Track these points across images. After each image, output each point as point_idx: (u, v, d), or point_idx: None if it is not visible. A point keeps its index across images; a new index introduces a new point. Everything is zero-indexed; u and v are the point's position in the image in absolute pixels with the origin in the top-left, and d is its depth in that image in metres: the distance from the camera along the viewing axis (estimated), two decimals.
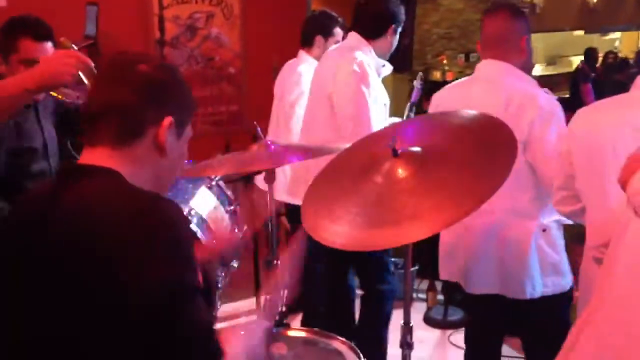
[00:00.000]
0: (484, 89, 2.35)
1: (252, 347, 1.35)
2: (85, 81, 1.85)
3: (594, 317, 1.43)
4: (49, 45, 2.33)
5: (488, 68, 2.41)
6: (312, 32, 3.58)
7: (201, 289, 1.19)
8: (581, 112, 2.09)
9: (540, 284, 2.33)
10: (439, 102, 2.52)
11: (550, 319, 2.38)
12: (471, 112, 1.87)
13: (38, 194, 1.30)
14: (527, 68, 2.44)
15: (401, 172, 1.64)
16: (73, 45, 2.12)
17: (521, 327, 2.54)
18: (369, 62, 2.85)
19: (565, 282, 2.38)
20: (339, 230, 1.60)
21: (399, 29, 2.97)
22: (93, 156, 1.24)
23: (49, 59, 1.96)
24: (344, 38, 3.36)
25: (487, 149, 1.68)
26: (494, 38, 2.40)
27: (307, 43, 3.61)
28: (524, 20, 2.43)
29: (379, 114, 2.89)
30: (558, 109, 2.29)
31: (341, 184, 1.77)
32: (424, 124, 1.99)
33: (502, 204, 2.22)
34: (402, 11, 2.97)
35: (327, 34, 3.56)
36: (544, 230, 2.31)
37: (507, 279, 2.33)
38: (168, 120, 1.26)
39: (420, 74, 3.18)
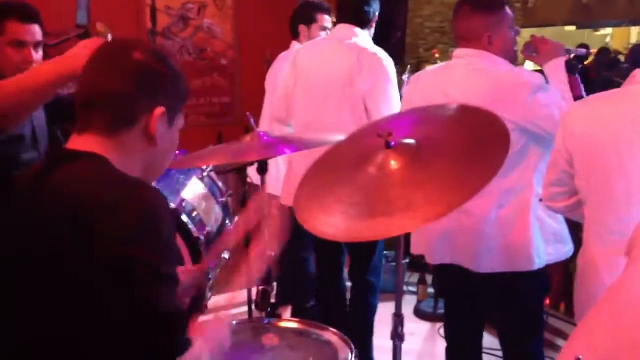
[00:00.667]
0: (465, 75, 2.35)
1: (217, 341, 1.34)
2: None
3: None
4: (36, 27, 2.31)
5: (464, 57, 2.39)
6: (296, 23, 3.60)
7: (177, 281, 1.19)
8: (576, 108, 2.08)
9: (544, 253, 2.34)
10: (416, 84, 2.55)
11: (538, 293, 2.44)
12: (465, 104, 1.87)
13: (24, 178, 1.29)
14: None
15: (394, 164, 1.64)
16: (109, 33, 2.10)
17: (516, 307, 2.53)
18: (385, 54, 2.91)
19: (567, 249, 2.39)
20: (331, 221, 1.60)
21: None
22: (81, 142, 1.24)
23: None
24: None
25: (481, 142, 1.68)
26: (459, 36, 2.40)
27: (294, 34, 3.63)
28: (488, 15, 2.32)
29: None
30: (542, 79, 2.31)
31: (334, 175, 1.77)
32: (417, 116, 1.99)
33: (501, 185, 2.21)
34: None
35: (309, 21, 3.57)
36: (540, 200, 2.30)
37: (513, 255, 2.33)
38: (160, 110, 1.26)
39: (409, 67, 3.19)
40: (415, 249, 2.58)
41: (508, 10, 2.39)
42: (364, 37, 2.95)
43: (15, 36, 2.28)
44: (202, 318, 2.09)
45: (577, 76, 2.32)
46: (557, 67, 2.33)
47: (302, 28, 3.59)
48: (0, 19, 2.30)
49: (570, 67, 2.31)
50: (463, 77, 2.35)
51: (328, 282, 3.27)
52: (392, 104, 2.86)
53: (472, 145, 1.68)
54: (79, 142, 1.24)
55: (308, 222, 1.63)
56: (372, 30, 3.04)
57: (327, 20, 3.58)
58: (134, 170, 1.25)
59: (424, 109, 2.06)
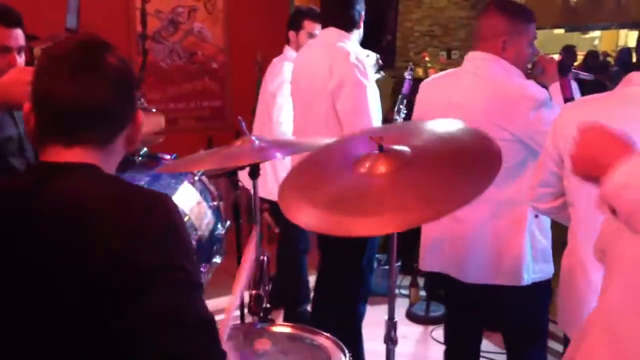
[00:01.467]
0: (472, 81, 2.34)
1: None
2: None
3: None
4: (19, 31, 2.24)
5: (475, 60, 2.39)
6: (287, 29, 3.63)
7: (203, 288, 1.16)
8: (567, 110, 2.08)
9: (532, 270, 2.33)
10: (425, 88, 2.54)
11: (534, 307, 2.41)
12: (463, 124, 1.87)
13: (10, 190, 1.20)
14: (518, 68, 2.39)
15: (383, 167, 1.65)
16: None
17: (509, 317, 2.54)
18: (361, 54, 2.86)
19: (550, 269, 2.39)
20: (314, 213, 1.61)
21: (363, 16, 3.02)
22: (71, 154, 1.18)
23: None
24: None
25: (473, 159, 1.69)
26: (477, 34, 2.40)
27: (286, 40, 3.66)
28: (511, 21, 2.32)
29: (377, 108, 2.91)
30: (547, 95, 2.29)
31: (322, 172, 1.80)
32: (414, 127, 2.00)
33: (497, 195, 2.20)
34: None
35: (297, 27, 3.60)
36: (536, 216, 2.31)
37: (501, 268, 2.33)
38: (140, 115, 1.25)
39: (411, 64, 3.18)
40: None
41: (533, 27, 2.37)
42: (348, 40, 2.93)
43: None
44: None
45: (569, 78, 2.31)
46: None
47: (292, 34, 3.65)
48: None
49: (563, 68, 2.30)
50: (470, 85, 2.34)
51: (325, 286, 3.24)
52: (356, 106, 2.80)
53: (464, 160, 1.70)
54: (70, 155, 1.18)
55: (291, 211, 1.65)
56: (361, 31, 3.01)
57: (315, 27, 3.59)
58: (112, 171, 1.25)
59: (422, 122, 2.06)
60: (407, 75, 3.03)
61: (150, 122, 2.99)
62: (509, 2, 2.42)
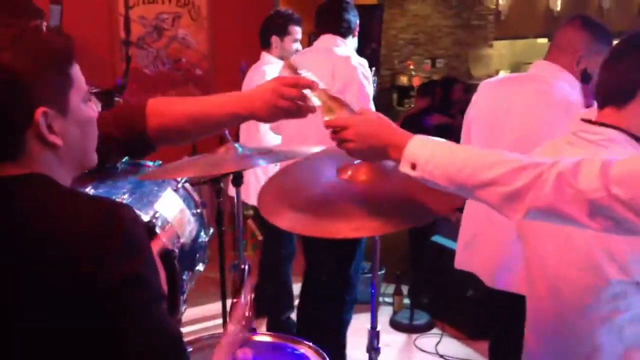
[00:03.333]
0: (537, 96, 2.32)
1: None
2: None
3: None
4: None
5: (544, 70, 2.37)
6: (268, 33, 3.58)
7: (166, 297, 1.14)
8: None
9: None
10: (482, 91, 2.53)
11: None
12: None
13: None
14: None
15: (364, 175, 1.69)
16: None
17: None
18: (363, 61, 2.89)
19: None
20: (293, 215, 1.63)
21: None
22: (2, 171, 1.09)
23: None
24: (311, 42, 3.36)
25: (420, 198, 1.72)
26: (555, 43, 2.37)
27: (265, 44, 3.61)
28: (593, 39, 2.30)
29: None
30: None
31: (303, 177, 1.81)
32: None
33: None
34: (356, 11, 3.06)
35: (282, 33, 3.56)
36: None
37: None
38: (39, 112, 1.08)
39: (374, 69, 3.21)
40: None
41: (607, 50, 2.40)
42: (345, 46, 2.96)
43: None
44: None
45: (590, 85, 2.32)
46: None
47: (275, 39, 3.57)
48: None
49: (584, 76, 2.30)
50: (532, 98, 2.31)
51: (309, 291, 3.23)
52: (363, 93, 2.84)
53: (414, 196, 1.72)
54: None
55: (269, 213, 1.66)
56: (355, 39, 3.04)
57: (299, 32, 3.58)
58: (62, 175, 1.15)
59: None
60: (372, 79, 3.08)
61: None
62: (596, 21, 2.41)
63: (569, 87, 2.30)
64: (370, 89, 2.88)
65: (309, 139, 2.90)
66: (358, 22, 3.04)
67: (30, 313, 1.04)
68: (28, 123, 1.08)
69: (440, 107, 5.14)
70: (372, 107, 2.86)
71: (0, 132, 1.08)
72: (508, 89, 2.45)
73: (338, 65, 2.86)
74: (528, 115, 2.29)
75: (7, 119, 1.07)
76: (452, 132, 4.18)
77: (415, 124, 4.89)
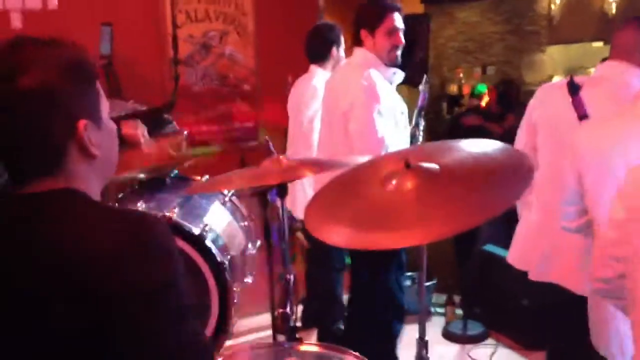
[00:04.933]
0: (605, 99, 2.31)
1: None
2: None
3: None
4: None
5: (615, 72, 2.35)
6: (325, 46, 3.58)
7: (194, 311, 1.14)
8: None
9: None
10: (543, 97, 2.51)
11: None
12: (498, 143, 1.85)
13: None
14: None
15: (410, 183, 1.66)
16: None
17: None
18: (377, 74, 2.85)
19: None
20: (340, 230, 1.63)
21: (378, 31, 2.92)
22: (38, 187, 1.12)
23: None
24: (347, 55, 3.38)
25: (501, 178, 1.69)
26: (617, 45, 2.38)
27: (320, 57, 3.61)
28: None
29: (397, 124, 2.89)
30: None
31: (348, 191, 1.81)
32: (450, 146, 1.99)
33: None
34: (372, 11, 2.94)
35: (339, 43, 3.58)
36: None
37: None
38: (82, 125, 1.13)
39: (425, 77, 3.18)
40: (518, 264, 2.58)
41: None
42: (371, 58, 2.93)
43: None
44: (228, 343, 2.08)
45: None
46: None
47: (334, 49, 3.60)
48: None
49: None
50: (601, 102, 2.30)
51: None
52: (363, 129, 2.80)
53: (493, 176, 1.71)
54: (33, 188, 1.12)
55: (316, 228, 1.67)
56: (381, 47, 2.94)
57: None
58: (92, 188, 1.18)
59: (456, 141, 2.02)
60: (422, 88, 3.04)
61: (172, 139, 3.02)
62: None
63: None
64: (383, 109, 2.83)
65: (333, 148, 2.93)
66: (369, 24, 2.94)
67: (57, 329, 1.04)
68: (71, 135, 1.13)
69: (488, 109, 5.11)
70: (395, 123, 2.81)
71: (43, 146, 1.12)
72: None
73: (350, 82, 2.91)
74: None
75: (51, 132, 1.11)
76: (484, 133, 4.15)
77: (457, 123, 4.87)
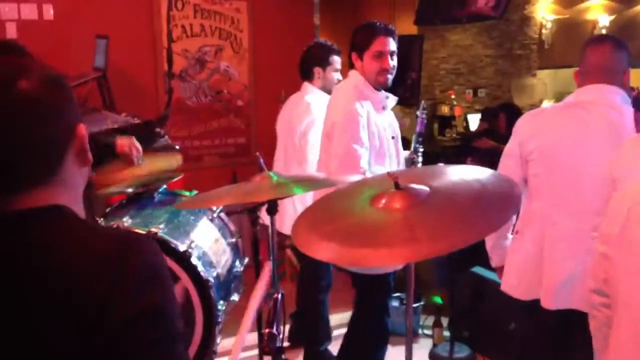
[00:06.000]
0: (607, 126, 2.33)
1: None
2: None
3: None
4: None
5: (593, 92, 2.39)
6: (310, 65, 3.60)
7: (182, 336, 1.09)
8: (628, 142, 2.07)
9: None
10: (536, 122, 2.51)
11: None
12: (488, 171, 1.86)
13: None
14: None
15: (398, 204, 1.68)
16: None
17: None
18: (364, 99, 2.85)
19: None
20: (327, 246, 1.63)
21: (366, 54, 2.90)
22: (28, 200, 1.07)
23: None
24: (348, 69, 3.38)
25: (489, 203, 1.71)
26: (598, 67, 2.40)
27: (307, 76, 3.63)
28: (627, 54, 2.43)
29: (387, 147, 2.89)
30: None
31: (337, 208, 1.82)
32: (441, 170, 2.00)
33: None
34: (362, 34, 2.94)
35: (325, 64, 3.58)
36: None
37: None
38: (82, 129, 1.12)
39: (423, 102, 3.18)
40: (525, 294, 2.51)
41: None
42: (356, 77, 2.95)
43: None
44: None
45: None
46: None
47: (318, 70, 3.59)
48: None
49: (637, 102, 2.31)
50: (603, 131, 2.31)
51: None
52: (339, 153, 2.81)
53: (480, 201, 1.72)
54: (26, 200, 1.07)
55: (304, 245, 1.66)
56: (367, 71, 2.93)
57: (339, 62, 3.61)
58: (78, 197, 1.15)
59: (446, 166, 2.03)
60: (420, 114, 3.03)
61: (166, 158, 3.01)
62: (618, 38, 2.55)
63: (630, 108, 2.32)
64: (354, 125, 2.82)
65: (322, 164, 2.94)
66: (360, 48, 2.93)
67: (42, 347, 1.01)
68: (71, 140, 1.11)
69: (497, 131, 5.15)
70: (357, 152, 2.80)
71: (45, 152, 1.08)
72: (571, 119, 2.41)
73: (335, 104, 2.94)
74: (608, 146, 2.25)
75: (53, 137, 1.09)
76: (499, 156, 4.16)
77: (469, 146, 4.97)
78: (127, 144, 2.56)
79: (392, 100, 2.98)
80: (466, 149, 5.16)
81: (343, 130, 2.80)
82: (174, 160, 3.02)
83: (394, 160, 2.95)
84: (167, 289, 1.07)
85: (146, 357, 1.02)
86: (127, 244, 1.07)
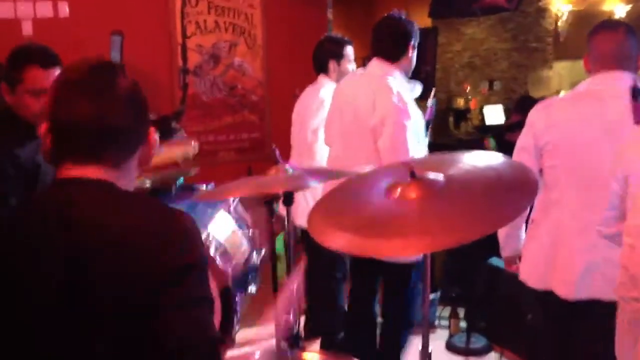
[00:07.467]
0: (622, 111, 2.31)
1: None
2: None
3: None
4: (57, 71, 2.20)
5: (606, 81, 2.36)
6: (325, 59, 3.62)
7: (212, 303, 1.20)
8: (633, 133, 2.06)
9: None
10: (548, 112, 2.49)
11: None
12: (503, 157, 1.86)
13: (37, 207, 1.25)
14: None
15: (414, 193, 1.67)
16: None
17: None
18: (404, 90, 2.86)
19: None
20: (343, 235, 1.64)
21: (416, 44, 2.98)
22: (89, 171, 1.22)
23: None
24: (365, 64, 3.37)
25: (505, 191, 1.71)
26: (612, 53, 2.37)
27: (322, 69, 3.65)
28: (637, 40, 2.40)
29: (419, 138, 2.90)
30: None
31: (352, 198, 1.83)
32: (456, 158, 2.00)
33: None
34: (415, 26, 2.99)
35: (339, 56, 3.60)
36: None
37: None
38: (153, 134, 1.30)
39: (434, 90, 3.18)
40: (539, 283, 2.51)
41: None
42: (394, 73, 2.93)
43: (35, 84, 2.23)
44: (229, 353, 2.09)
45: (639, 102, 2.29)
46: None
47: (332, 63, 3.62)
48: (20, 66, 2.26)
49: (636, 93, 2.28)
50: (618, 120, 2.29)
51: (358, 312, 3.22)
52: (395, 146, 2.80)
53: (497, 189, 1.72)
54: (87, 171, 1.22)
55: (319, 234, 1.67)
56: (410, 60, 2.97)
57: (352, 53, 3.63)
58: (129, 189, 1.29)
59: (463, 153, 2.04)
60: (430, 103, 3.02)
61: (182, 147, 3.04)
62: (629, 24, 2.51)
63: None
64: (411, 125, 2.84)
65: (350, 157, 2.92)
66: (415, 38, 2.97)
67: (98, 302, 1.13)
68: (145, 139, 1.29)
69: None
70: (418, 140, 2.83)
71: (126, 140, 1.25)
72: (590, 108, 2.39)
73: (379, 97, 2.85)
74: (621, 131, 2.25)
75: (136, 131, 1.27)
76: None
77: (502, 138, 4.95)
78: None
79: (418, 89, 3.00)
80: (500, 140, 5.10)
81: (398, 125, 2.80)
82: (191, 148, 3.05)
83: (424, 149, 2.96)
84: (204, 256, 1.23)
85: (185, 313, 1.13)
86: (176, 214, 1.21)
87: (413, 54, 2.98)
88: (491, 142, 5.01)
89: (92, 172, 1.22)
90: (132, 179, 1.29)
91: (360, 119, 2.92)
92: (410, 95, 2.91)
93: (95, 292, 1.13)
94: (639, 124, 2.20)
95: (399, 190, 1.70)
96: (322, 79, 3.66)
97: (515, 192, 1.69)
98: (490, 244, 3.89)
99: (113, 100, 1.22)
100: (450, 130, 6.44)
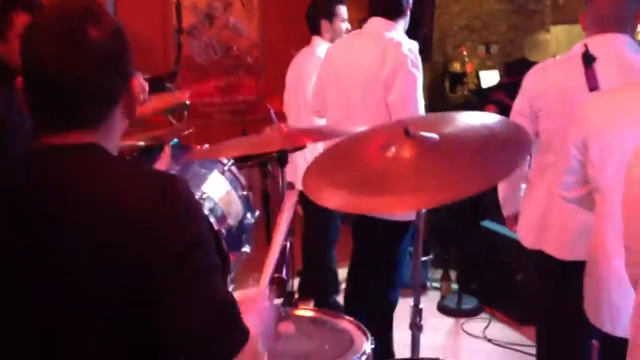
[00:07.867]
0: (617, 72, 2.27)
1: (266, 329, 1.33)
2: None
3: None
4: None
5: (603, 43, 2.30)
6: (317, 18, 3.58)
7: (221, 268, 1.16)
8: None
9: None
10: (544, 76, 2.46)
11: None
12: (496, 116, 1.87)
13: (13, 180, 1.16)
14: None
15: (408, 152, 1.68)
16: None
17: None
18: (412, 45, 2.85)
19: None
20: (338, 193, 1.66)
21: (411, 2, 2.97)
22: (72, 136, 1.14)
23: None
24: (361, 27, 3.33)
25: (499, 149, 1.72)
26: (611, 14, 2.32)
27: (315, 29, 3.61)
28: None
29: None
30: None
31: (348, 157, 1.83)
32: (451, 117, 2.00)
33: None
34: None
35: (331, 15, 3.56)
36: None
37: None
38: (135, 84, 1.19)
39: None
40: (531, 243, 2.52)
41: None
42: (396, 30, 2.91)
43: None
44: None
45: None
46: None
47: (324, 22, 3.57)
48: (8, 12, 2.28)
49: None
50: (613, 83, 2.24)
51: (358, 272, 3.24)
52: (407, 97, 2.79)
53: (490, 148, 1.73)
54: (70, 137, 1.14)
55: (315, 193, 1.69)
56: (407, 19, 2.96)
57: (345, 11, 3.59)
58: (115, 147, 1.21)
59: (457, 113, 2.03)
60: None
61: (173, 97, 3.01)
62: None
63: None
64: (420, 76, 2.84)
65: (352, 119, 2.91)
66: (411, 1, 2.97)
67: (95, 278, 1.08)
68: (125, 91, 1.18)
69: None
70: (421, 96, 2.83)
71: (102, 96, 1.15)
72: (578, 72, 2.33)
73: (389, 51, 2.82)
74: None
75: (113, 83, 1.15)
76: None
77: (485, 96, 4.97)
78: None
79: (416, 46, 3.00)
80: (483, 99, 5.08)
81: (410, 80, 2.79)
82: (182, 97, 3.03)
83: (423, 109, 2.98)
84: (205, 225, 1.17)
85: (194, 284, 1.09)
86: (170, 182, 1.14)
87: (408, 14, 2.97)
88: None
89: (74, 137, 1.14)
90: (118, 134, 1.21)
91: (366, 78, 2.88)
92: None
93: (87, 277, 1.08)
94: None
95: (393, 148, 1.71)
96: (316, 39, 3.62)
97: (509, 149, 1.70)
98: (484, 207, 3.93)
99: (83, 50, 1.10)
100: (446, 95, 6.42)
